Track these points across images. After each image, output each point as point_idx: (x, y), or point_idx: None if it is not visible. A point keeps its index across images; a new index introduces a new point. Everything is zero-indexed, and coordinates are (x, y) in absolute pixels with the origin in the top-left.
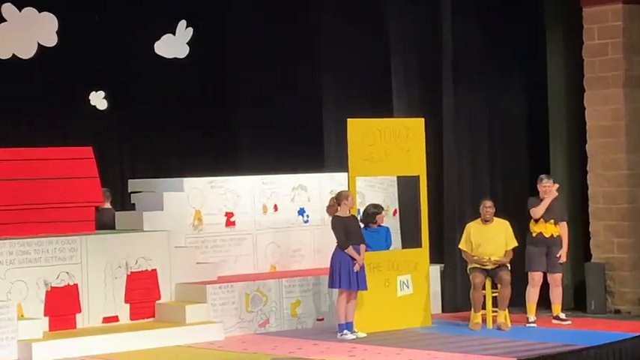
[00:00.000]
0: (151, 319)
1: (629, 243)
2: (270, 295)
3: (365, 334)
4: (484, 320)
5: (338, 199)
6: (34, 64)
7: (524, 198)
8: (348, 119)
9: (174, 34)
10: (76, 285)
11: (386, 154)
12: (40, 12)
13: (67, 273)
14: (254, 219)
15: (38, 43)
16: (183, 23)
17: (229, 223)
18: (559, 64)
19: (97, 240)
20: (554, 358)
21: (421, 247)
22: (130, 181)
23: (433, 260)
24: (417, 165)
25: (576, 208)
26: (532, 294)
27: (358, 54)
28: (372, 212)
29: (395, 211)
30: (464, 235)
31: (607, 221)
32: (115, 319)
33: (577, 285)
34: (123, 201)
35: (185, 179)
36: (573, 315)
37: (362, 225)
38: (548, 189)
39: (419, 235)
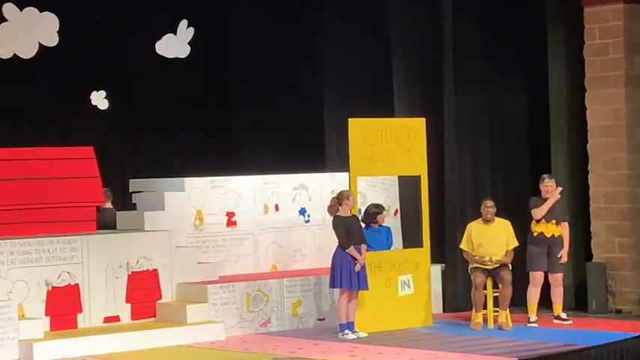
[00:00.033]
0: (152, 319)
1: (630, 243)
2: (271, 295)
3: (366, 334)
4: (485, 320)
5: (339, 199)
6: (35, 64)
7: (525, 198)
8: (350, 119)
9: (175, 33)
10: (77, 285)
11: (387, 153)
12: (41, 12)
13: (68, 273)
14: (255, 219)
15: (39, 43)
16: (184, 23)
17: (230, 223)
18: (560, 64)
19: (98, 240)
20: (556, 358)
21: (422, 246)
22: (131, 180)
23: (434, 260)
24: (418, 165)
25: (577, 208)
26: (533, 294)
27: (359, 54)
28: (373, 212)
29: (396, 211)
30: (465, 235)
31: (608, 221)
32: (116, 318)
33: (578, 285)
34: (124, 201)
35: (186, 179)
36: (574, 315)
37: (363, 225)
38: (550, 188)
39: (420, 234)
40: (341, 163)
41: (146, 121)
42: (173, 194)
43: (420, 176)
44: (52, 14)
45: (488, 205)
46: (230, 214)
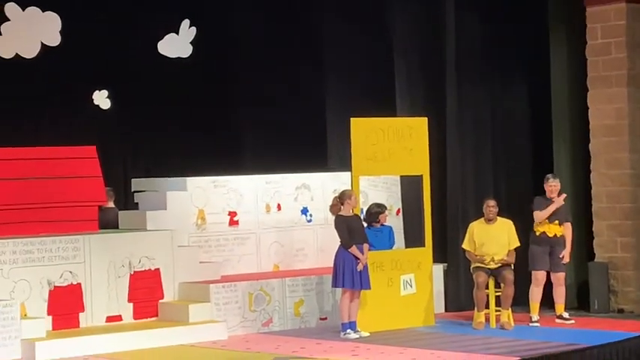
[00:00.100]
0: (154, 319)
1: (633, 242)
2: (273, 295)
3: (368, 334)
4: (487, 319)
5: (341, 199)
6: (37, 64)
7: (527, 197)
8: (352, 118)
9: (177, 33)
10: (79, 284)
11: (389, 153)
12: (43, 11)
13: (71, 272)
14: (257, 218)
15: (41, 43)
16: (186, 23)
17: (232, 223)
18: (562, 64)
19: (100, 239)
20: (558, 358)
21: (424, 246)
22: (133, 180)
23: (436, 259)
24: (420, 164)
25: (579, 208)
26: (535, 293)
27: (360, 54)
28: (376, 211)
29: (398, 211)
30: (467, 235)
31: (610, 220)
32: (119, 318)
33: (580, 284)
34: (126, 200)
35: (188, 179)
36: (576, 314)
37: (365, 224)
38: (555, 188)
39: (422, 234)
40: (343, 163)
41: (148, 120)
42: (175, 194)
43: (422, 176)
44: (55, 14)
45: (491, 205)
46: (232, 214)
